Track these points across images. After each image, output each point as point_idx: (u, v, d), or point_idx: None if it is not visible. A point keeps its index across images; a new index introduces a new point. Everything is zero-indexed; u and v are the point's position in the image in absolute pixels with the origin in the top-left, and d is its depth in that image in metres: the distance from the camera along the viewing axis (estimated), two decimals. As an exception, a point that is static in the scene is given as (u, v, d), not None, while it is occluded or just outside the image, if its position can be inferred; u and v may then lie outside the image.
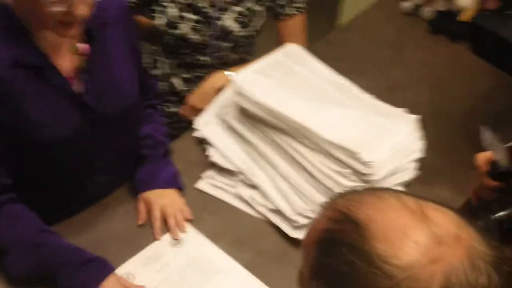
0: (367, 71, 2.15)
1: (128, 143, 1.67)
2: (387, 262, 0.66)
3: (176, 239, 1.57)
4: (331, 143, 1.55)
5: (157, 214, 1.60)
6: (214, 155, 1.74)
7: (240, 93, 1.69)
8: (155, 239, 1.57)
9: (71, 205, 1.61)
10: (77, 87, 1.47)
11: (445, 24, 2.31)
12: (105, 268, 1.46)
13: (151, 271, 1.49)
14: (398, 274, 0.66)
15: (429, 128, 1.80)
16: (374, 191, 0.77)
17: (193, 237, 1.59)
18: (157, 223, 1.59)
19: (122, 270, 1.47)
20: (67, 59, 1.47)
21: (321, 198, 1.55)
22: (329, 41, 2.32)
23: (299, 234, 1.56)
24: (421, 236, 0.68)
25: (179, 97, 2.09)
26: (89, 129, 1.51)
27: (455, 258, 0.67)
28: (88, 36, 1.49)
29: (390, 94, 1.94)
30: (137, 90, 1.63)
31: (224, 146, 1.74)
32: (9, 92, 1.38)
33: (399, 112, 1.74)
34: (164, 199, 1.63)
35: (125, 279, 1.46)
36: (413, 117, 1.71)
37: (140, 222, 1.60)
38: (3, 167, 1.46)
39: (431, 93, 2.08)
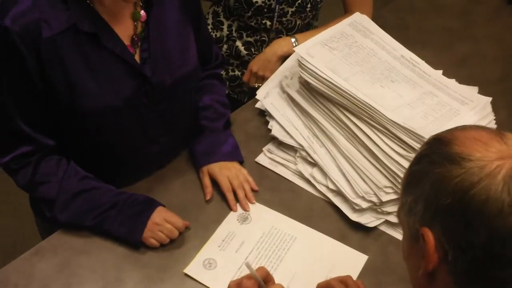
0: (432, 42, 2.06)
1: (184, 113, 1.64)
2: (461, 157, 0.78)
3: (247, 211, 1.56)
4: (396, 124, 1.49)
5: (227, 186, 1.58)
6: (274, 129, 1.70)
7: (302, 66, 1.62)
8: (232, 210, 1.56)
9: (126, 174, 1.60)
10: (135, 56, 1.45)
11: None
12: (153, 203, 1.49)
13: (230, 253, 1.47)
14: (468, 164, 0.77)
15: (499, 108, 1.70)
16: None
17: (258, 210, 1.57)
18: (230, 195, 1.58)
19: (201, 258, 1.45)
20: (123, 26, 1.43)
21: (384, 182, 1.50)
22: (395, 8, 2.23)
23: (360, 218, 1.52)
24: (495, 143, 0.79)
25: (242, 61, 2.05)
26: (144, 98, 1.48)
27: None
28: (145, 1, 1.45)
29: (457, 69, 1.86)
30: (194, 59, 1.59)
31: (285, 120, 1.70)
32: (65, 58, 1.36)
33: (471, 92, 1.65)
34: (228, 171, 1.60)
35: (171, 212, 1.48)
36: (485, 99, 1.62)
37: (208, 198, 1.58)
38: (45, 129, 1.46)
39: (503, 70, 1.98)
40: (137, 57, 1.45)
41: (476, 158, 0.77)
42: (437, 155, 0.81)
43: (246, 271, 1.32)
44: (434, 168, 0.80)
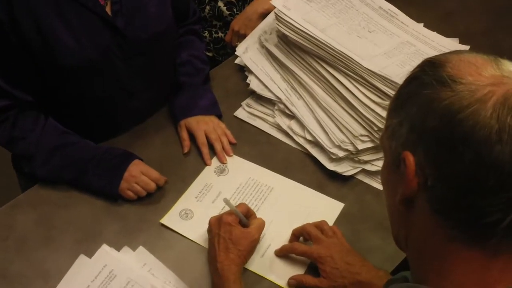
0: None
1: (162, 69, 1.64)
2: (452, 79, 0.74)
3: (224, 163, 1.56)
4: (372, 72, 1.48)
5: (203, 139, 1.58)
6: (253, 83, 1.70)
7: (279, 19, 1.62)
8: (206, 164, 1.56)
9: (105, 130, 1.61)
10: (105, 8, 1.45)
11: None
12: (130, 156, 1.50)
13: (207, 204, 1.48)
14: (459, 87, 0.73)
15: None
16: None
17: (235, 162, 1.58)
18: (205, 149, 1.58)
19: (178, 209, 1.46)
20: None
21: (360, 131, 1.50)
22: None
23: (337, 167, 1.52)
24: (489, 68, 0.75)
25: (225, 22, 2.04)
26: (119, 53, 1.48)
27: None
28: None
29: (441, 24, 1.83)
30: (169, 15, 1.58)
31: (263, 74, 1.69)
32: (38, 12, 1.36)
33: (449, 42, 1.64)
34: (206, 125, 1.61)
35: (147, 165, 1.49)
36: (464, 48, 1.61)
37: (186, 150, 1.59)
38: (22, 84, 1.46)
39: (487, 23, 1.96)
40: (108, 10, 1.45)
41: (467, 82, 0.73)
42: (428, 77, 0.77)
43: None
44: (423, 90, 0.76)
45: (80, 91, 1.51)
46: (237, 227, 1.30)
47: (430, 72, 0.77)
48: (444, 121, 0.73)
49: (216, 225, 1.31)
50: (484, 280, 0.75)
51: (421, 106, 0.76)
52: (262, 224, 1.34)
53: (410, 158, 0.76)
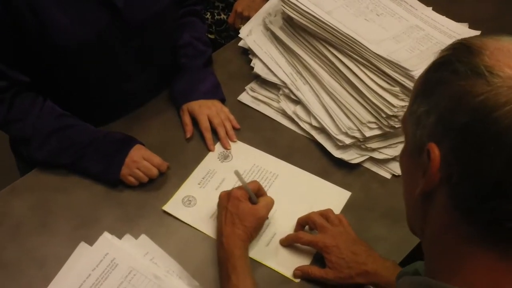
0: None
1: (161, 51, 1.59)
2: (489, 71, 0.68)
3: (228, 149, 1.53)
4: (380, 57, 1.44)
5: (206, 124, 1.54)
6: (257, 67, 1.65)
7: (285, 1, 1.57)
8: (209, 150, 1.53)
9: (103, 113, 1.57)
10: None
11: None
12: (131, 141, 1.46)
13: (210, 190, 1.43)
14: (497, 81, 0.67)
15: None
16: None
17: (239, 148, 1.54)
18: (208, 134, 1.54)
19: (180, 196, 1.42)
20: None
21: (368, 117, 1.46)
22: None
23: (343, 155, 1.48)
24: None
25: (227, 3, 1.99)
26: (117, 33, 1.43)
27: None
28: None
29: (448, 7, 1.79)
30: None
31: (267, 58, 1.65)
32: None
33: (459, 26, 1.60)
34: (209, 109, 1.56)
35: (149, 150, 1.45)
36: (474, 33, 1.57)
37: (188, 135, 1.54)
38: (19, 66, 1.41)
39: (496, 8, 1.92)
40: None
41: (506, 76, 0.67)
42: (462, 65, 0.71)
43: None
44: (456, 79, 0.70)
45: (76, 73, 1.47)
46: (245, 202, 1.28)
47: (464, 59, 0.72)
48: (477, 118, 0.68)
49: (225, 199, 1.30)
50: (502, 283, 0.71)
51: (453, 98, 0.71)
52: (270, 203, 1.32)
53: (435, 151, 0.71)
